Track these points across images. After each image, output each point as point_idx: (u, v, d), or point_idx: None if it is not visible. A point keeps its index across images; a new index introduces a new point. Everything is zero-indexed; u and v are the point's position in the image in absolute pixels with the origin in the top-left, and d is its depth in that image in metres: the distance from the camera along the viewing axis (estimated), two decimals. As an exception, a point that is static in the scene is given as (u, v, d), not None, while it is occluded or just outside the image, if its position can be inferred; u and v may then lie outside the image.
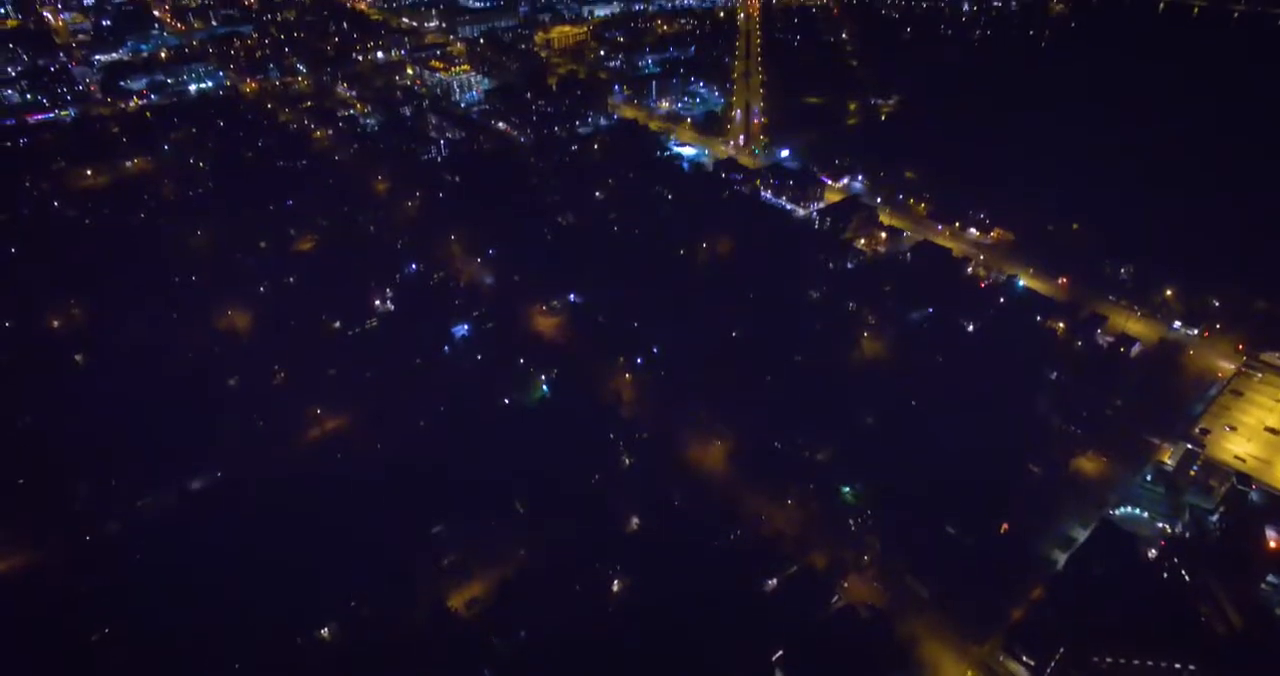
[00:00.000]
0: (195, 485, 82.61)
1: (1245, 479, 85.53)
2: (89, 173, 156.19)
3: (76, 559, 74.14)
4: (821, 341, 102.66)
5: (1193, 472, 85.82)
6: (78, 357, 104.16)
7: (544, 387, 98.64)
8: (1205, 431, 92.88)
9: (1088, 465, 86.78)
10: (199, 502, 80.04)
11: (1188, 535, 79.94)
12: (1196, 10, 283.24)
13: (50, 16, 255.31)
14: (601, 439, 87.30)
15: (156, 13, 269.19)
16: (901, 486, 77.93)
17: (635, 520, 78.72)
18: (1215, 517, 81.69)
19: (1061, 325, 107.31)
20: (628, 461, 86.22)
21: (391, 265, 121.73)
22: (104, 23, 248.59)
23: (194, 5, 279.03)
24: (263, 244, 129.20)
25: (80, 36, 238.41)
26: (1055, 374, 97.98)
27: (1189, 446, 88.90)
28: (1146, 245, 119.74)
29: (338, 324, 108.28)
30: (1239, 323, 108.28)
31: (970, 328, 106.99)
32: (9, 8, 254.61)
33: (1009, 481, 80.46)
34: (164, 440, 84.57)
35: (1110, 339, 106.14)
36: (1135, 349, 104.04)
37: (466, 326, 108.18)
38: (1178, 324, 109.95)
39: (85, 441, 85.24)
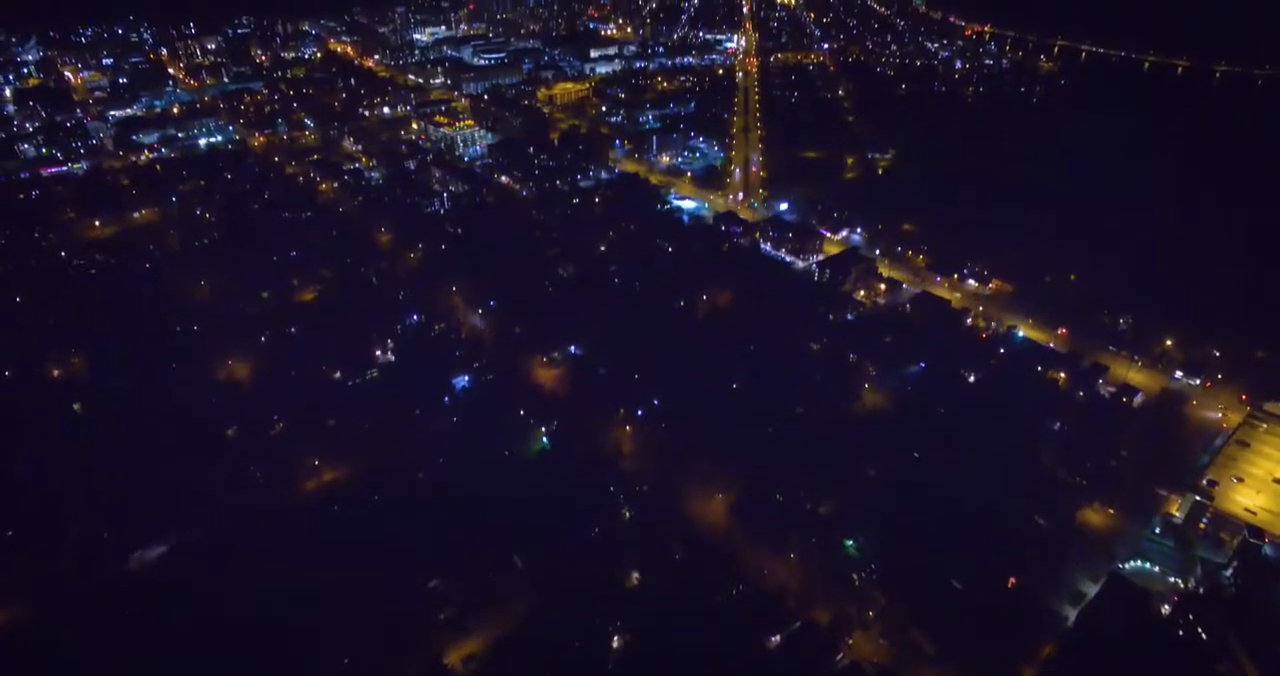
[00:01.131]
0: (189, 537, 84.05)
1: (1257, 532, 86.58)
2: (97, 223, 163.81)
3: (63, 612, 74.90)
4: (823, 393, 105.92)
5: (1202, 525, 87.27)
6: (75, 407, 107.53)
7: (544, 439, 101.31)
8: (1213, 483, 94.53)
9: (1094, 517, 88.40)
10: (192, 555, 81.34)
11: (1201, 590, 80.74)
12: (1181, 70, 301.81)
13: (70, 75, 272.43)
14: (601, 491, 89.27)
15: (171, 71, 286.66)
16: (906, 539, 79.55)
17: (636, 574, 79.89)
18: (1229, 572, 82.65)
19: (1063, 375, 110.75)
20: (628, 514, 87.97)
21: (393, 316, 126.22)
22: (121, 80, 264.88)
23: (207, 63, 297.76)
24: (265, 294, 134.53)
25: (97, 93, 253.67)
26: (1058, 424, 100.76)
27: (1197, 498, 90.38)
28: (1144, 295, 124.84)
29: (338, 374, 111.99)
30: (1240, 372, 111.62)
31: (971, 378, 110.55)
32: (32, 68, 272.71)
33: (1015, 534, 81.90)
34: (159, 491, 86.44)
35: (1112, 389, 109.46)
36: (1138, 399, 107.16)
37: (467, 377, 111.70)
38: (1179, 374, 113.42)
39: (77, 492, 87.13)
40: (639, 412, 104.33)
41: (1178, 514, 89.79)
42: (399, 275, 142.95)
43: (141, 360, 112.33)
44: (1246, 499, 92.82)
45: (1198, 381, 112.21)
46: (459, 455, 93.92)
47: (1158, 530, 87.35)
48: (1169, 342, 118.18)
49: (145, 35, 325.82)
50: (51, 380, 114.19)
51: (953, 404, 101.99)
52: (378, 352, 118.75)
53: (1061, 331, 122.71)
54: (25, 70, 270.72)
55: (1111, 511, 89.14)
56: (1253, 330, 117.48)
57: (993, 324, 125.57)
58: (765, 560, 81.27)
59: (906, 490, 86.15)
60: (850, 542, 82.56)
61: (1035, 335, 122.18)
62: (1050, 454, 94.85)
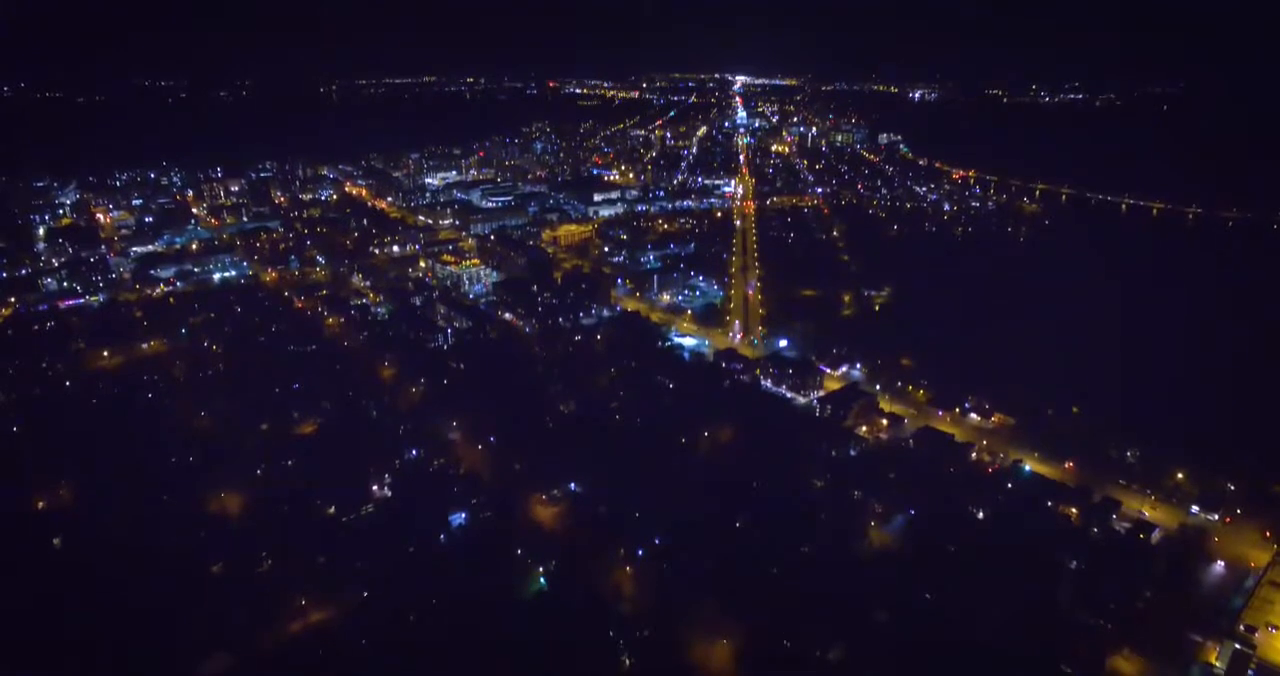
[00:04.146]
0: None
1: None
2: (105, 354, 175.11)
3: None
4: (827, 531, 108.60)
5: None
6: (55, 541, 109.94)
7: (541, 580, 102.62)
8: (1251, 629, 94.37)
9: (1125, 666, 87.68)
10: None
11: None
12: (1155, 211, 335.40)
13: (101, 215, 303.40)
14: (600, 636, 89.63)
15: (195, 211, 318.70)
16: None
17: (636, 729, 78.62)
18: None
19: (1074, 511, 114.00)
20: (628, 661, 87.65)
21: (392, 450, 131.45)
22: (147, 219, 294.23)
23: (229, 204, 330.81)
24: (264, 426, 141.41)
25: (123, 231, 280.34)
26: (1074, 563, 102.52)
27: (1237, 646, 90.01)
28: (1149, 427, 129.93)
29: (332, 509, 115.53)
30: (1260, 507, 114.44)
31: (980, 514, 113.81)
32: (67, 208, 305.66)
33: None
34: (131, 632, 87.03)
35: (1127, 525, 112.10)
36: (1155, 535, 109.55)
37: (464, 515, 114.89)
38: (1195, 508, 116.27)
39: (39, 634, 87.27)
40: (640, 552, 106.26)
41: (1218, 664, 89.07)
42: (400, 409, 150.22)
43: (130, 492, 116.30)
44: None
45: (1216, 517, 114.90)
46: (453, 596, 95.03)
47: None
48: (1180, 476, 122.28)
49: (175, 178, 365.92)
50: (34, 513, 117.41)
51: (962, 541, 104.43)
52: (374, 488, 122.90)
53: (1069, 465, 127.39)
54: (61, 211, 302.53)
55: (1144, 659, 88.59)
56: (1267, 462, 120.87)
57: (998, 458, 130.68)
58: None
59: (920, 634, 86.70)
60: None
61: (1042, 469, 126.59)
62: (1069, 595, 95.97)
